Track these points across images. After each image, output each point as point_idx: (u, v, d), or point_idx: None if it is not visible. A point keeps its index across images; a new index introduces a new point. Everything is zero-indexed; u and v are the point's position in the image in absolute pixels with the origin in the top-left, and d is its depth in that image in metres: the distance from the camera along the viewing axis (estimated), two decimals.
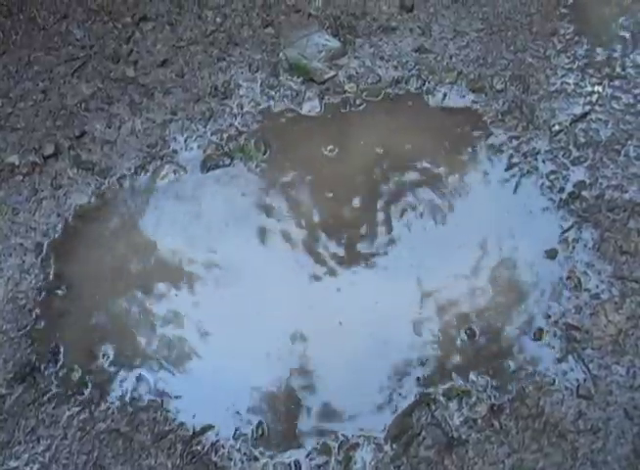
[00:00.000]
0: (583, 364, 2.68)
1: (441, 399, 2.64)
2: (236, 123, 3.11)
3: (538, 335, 2.73)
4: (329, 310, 2.79)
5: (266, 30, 3.29)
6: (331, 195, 2.97)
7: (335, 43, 3.22)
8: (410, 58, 3.22)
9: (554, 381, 2.66)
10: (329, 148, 3.05)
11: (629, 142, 3.03)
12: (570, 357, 2.69)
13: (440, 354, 2.72)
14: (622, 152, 3.01)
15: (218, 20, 3.31)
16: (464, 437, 2.59)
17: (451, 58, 3.22)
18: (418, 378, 2.68)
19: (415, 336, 2.74)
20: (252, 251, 2.89)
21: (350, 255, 2.88)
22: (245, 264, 2.87)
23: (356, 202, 2.96)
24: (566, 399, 2.64)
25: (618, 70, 3.18)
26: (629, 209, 2.91)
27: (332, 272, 2.85)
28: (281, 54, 3.22)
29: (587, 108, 3.10)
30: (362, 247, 2.89)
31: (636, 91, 3.12)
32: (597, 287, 2.79)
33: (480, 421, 2.61)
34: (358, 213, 2.95)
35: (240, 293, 2.83)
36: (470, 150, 3.05)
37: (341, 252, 2.88)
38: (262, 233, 2.91)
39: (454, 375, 2.68)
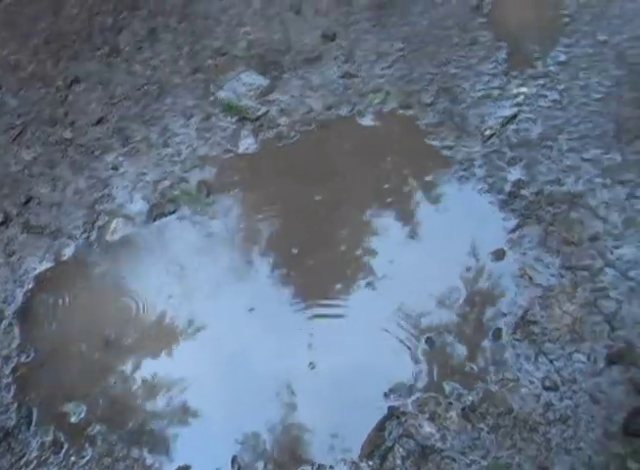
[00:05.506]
0: (545, 357, 2.72)
1: (410, 409, 2.67)
2: (176, 170, 3.15)
3: (497, 335, 2.77)
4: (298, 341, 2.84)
5: (196, 76, 3.35)
6: (281, 227, 3.03)
7: (263, 80, 3.29)
8: (338, 84, 3.29)
9: (518, 377, 2.70)
10: (269, 183, 3.11)
11: (560, 136, 3.10)
12: (531, 352, 2.73)
13: (404, 366, 2.74)
14: (555, 147, 3.08)
15: (148, 72, 3.37)
16: (437, 444, 2.61)
17: (377, 79, 3.29)
18: (385, 393, 2.71)
19: (376, 349, 2.78)
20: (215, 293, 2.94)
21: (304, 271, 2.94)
22: (210, 307, 2.92)
23: (303, 228, 3.02)
24: (532, 393, 2.66)
25: (541, 68, 3.26)
26: (568, 200, 2.97)
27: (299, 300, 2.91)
28: (212, 97, 3.29)
29: (515, 109, 3.17)
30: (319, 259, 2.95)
31: (560, 87, 3.20)
32: (548, 280, 2.84)
33: (451, 426, 2.64)
34: (307, 241, 3.01)
35: (203, 337, 2.88)
36: (407, 164, 3.11)
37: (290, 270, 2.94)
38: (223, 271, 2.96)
39: (420, 385, 2.71)
